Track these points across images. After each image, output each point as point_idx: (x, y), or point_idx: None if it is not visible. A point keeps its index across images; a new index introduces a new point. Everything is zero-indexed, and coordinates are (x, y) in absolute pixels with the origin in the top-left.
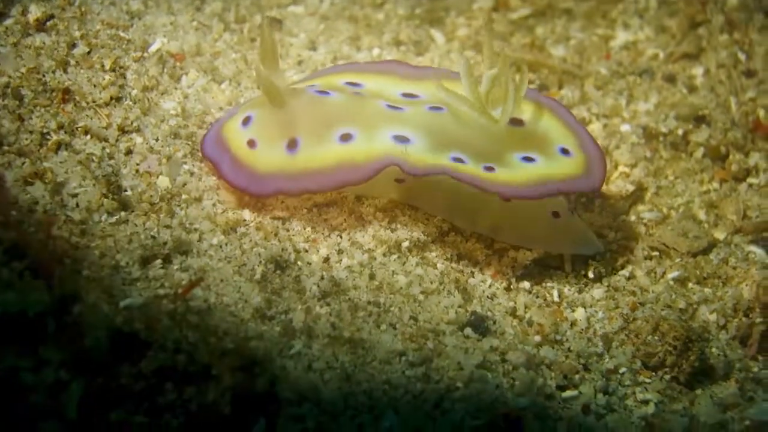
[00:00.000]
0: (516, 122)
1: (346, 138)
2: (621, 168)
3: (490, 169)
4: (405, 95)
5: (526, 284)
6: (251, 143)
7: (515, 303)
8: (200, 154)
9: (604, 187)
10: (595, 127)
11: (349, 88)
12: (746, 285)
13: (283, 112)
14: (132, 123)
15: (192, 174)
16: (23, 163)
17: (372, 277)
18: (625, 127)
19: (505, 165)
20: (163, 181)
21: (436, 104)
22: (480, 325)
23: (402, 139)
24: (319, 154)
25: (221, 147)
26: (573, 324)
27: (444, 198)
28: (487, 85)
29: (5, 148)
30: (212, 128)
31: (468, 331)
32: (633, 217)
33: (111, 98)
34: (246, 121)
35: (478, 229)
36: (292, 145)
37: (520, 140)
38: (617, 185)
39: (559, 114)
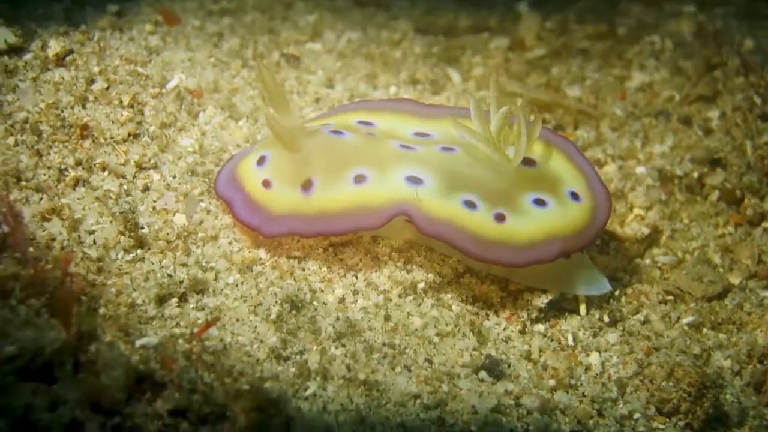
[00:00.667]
0: (528, 162)
1: (359, 179)
2: (636, 210)
3: (500, 217)
4: (417, 134)
5: (540, 327)
6: (266, 183)
7: (530, 346)
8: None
9: (618, 230)
10: (610, 169)
11: (362, 128)
12: (761, 331)
13: (300, 154)
14: (149, 160)
15: (209, 212)
16: (41, 199)
17: (387, 318)
18: (640, 169)
19: (516, 210)
20: (180, 219)
21: (449, 144)
22: (495, 369)
23: (415, 180)
24: (334, 196)
25: (235, 186)
26: (587, 368)
27: None
28: (498, 123)
29: (23, 183)
30: (226, 166)
31: (483, 374)
32: (648, 261)
33: (129, 134)
34: (261, 161)
35: (492, 270)
36: (307, 185)
37: (531, 181)
38: (632, 228)
39: (569, 154)
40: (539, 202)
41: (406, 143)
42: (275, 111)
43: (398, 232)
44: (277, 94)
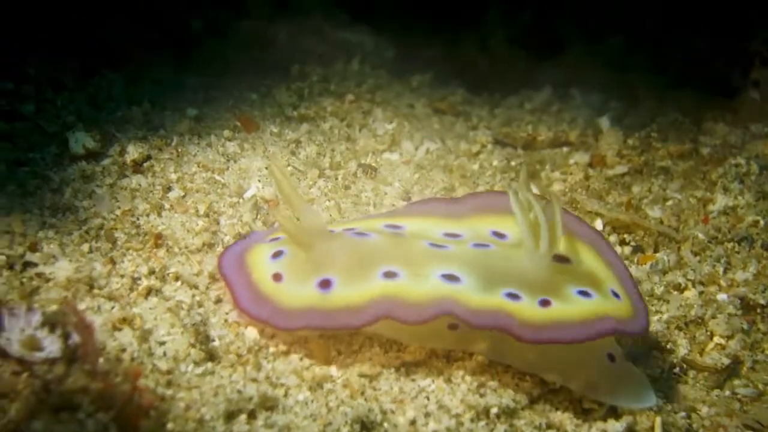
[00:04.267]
0: (562, 259)
1: (390, 275)
2: (716, 339)
3: (546, 303)
4: (447, 235)
5: None
6: (277, 277)
7: None
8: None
9: (698, 359)
10: (691, 295)
11: (388, 230)
12: None
13: (316, 252)
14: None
15: None
16: (113, 308)
17: None
18: (721, 297)
19: (560, 297)
20: (252, 333)
21: (481, 241)
22: None
23: (451, 278)
24: (360, 291)
25: (241, 270)
26: None
27: (491, 340)
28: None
29: (96, 291)
30: (237, 245)
31: None
32: (727, 392)
33: (203, 244)
34: (277, 255)
35: (522, 365)
36: (325, 285)
37: (571, 276)
38: (712, 357)
39: (600, 249)
40: (584, 294)
41: (436, 242)
42: (292, 211)
43: (431, 337)
44: (292, 194)
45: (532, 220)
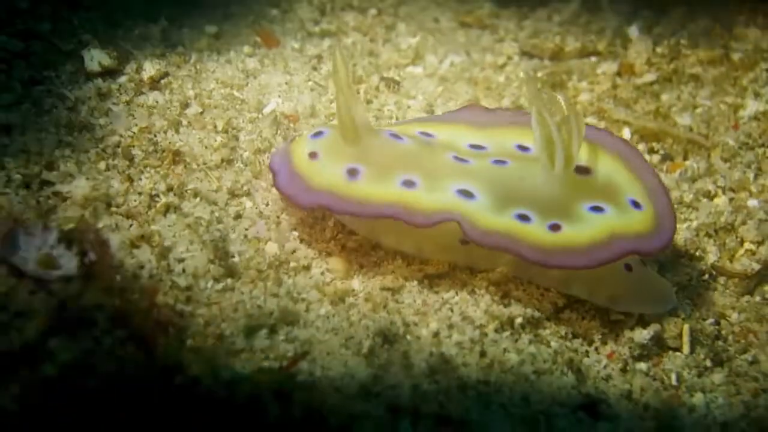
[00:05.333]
0: (582, 170)
1: (408, 184)
2: (747, 245)
3: (556, 227)
4: (472, 146)
5: (642, 366)
6: (313, 155)
7: (631, 385)
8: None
9: (727, 265)
10: (721, 201)
11: (421, 138)
12: None
13: (359, 146)
14: (242, 187)
15: (302, 241)
16: (131, 226)
17: (483, 354)
18: (752, 203)
19: (572, 218)
20: (272, 248)
21: (501, 157)
22: (593, 408)
23: (466, 194)
24: (378, 190)
25: (284, 158)
26: (691, 410)
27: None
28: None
29: (113, 209)
30: (286, 143)
31: (581, 414)
32: (758, 298)
33: (222, 160)
34: (317, 134)
35: (544, 281)
36: (353, 173)
37: (587, 190)
38: (742, 264)
39: (628, 159)
40: (596, 209)
41: (460, 155)
42: (344, 102)
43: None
44: (347, 87)
45: (550, 137)
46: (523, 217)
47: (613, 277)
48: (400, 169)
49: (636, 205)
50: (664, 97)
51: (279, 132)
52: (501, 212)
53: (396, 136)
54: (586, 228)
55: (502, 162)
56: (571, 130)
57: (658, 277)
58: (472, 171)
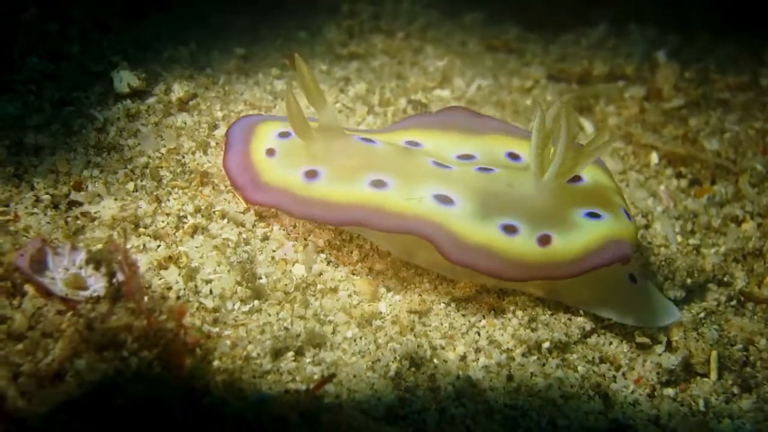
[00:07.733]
0: (574, 178)
1: (378, 184)
2: None
3: (545, 240)
4: (460, 157)
5: (670, 391)
6: (270, 152)
7: (659, 411)
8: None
9: (756, 291)
10: (749, 227)
11: (401, 144)
12: None
13: (317, 146)
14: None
15: (329, 263)
16: (158, 247)
17: (510, 378)
18: None
19: (565, 226)
20: (299, 270)
21: (490, 165)
22: None
23: (444, 200)
24: (341, 190)
25: (245, 136)
26: None
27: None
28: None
29: (141, 230)
30: (255, 117)
31: None
32: None
33: None
34: (284, 135)
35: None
36: (312, 174)
37: (581, 196)
38: None
39: (606, 171)
40: (593, 215)
41: (441, 162)
42: (312, 105)
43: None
44: (314, 89)
45: (547, 142)
46: (510, 229)
47: (619, 288)
48: (369, 170)
49: (627, 215)
50: (692, 121)
51: None
52: (484, 221)
53: (368, 140)
54: (580, 235)
55: (488, 170)
56: (565, 142)
57: (658, 291)
58: (452, 176)
